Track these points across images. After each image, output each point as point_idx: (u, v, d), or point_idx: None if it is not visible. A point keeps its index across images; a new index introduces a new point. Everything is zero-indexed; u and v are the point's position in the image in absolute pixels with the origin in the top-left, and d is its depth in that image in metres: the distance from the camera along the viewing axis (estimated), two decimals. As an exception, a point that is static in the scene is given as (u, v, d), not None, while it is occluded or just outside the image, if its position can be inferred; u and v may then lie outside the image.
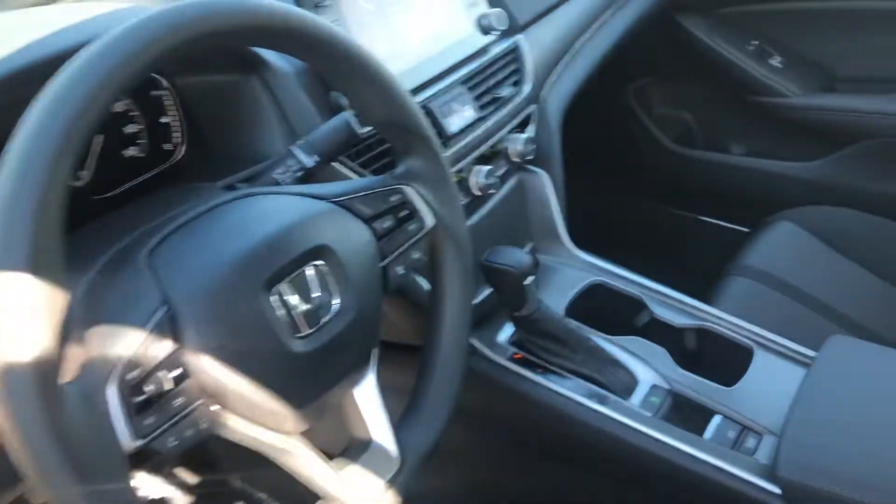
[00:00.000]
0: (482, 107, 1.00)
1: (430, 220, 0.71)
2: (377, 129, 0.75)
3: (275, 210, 0.62)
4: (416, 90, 0.91)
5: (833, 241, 1.34)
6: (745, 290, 1.24)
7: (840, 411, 0.83)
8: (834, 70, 1.56)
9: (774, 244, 1.35)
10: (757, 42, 1.57)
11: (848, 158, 1.52)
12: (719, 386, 0.93)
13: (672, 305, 1.04)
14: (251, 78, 0.79)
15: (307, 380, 0.58)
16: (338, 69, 0.64)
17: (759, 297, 1.23)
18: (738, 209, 1.67)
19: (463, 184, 0.98)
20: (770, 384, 0.93)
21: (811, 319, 1.20)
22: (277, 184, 0.71)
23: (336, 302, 0.60)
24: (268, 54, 0.79)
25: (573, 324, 0.97)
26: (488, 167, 1.00)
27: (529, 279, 0.88)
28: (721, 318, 1.01)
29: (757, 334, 0.99)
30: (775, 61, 1.55)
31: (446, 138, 0.93)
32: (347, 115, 0.74)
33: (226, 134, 0.82)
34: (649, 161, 1.77)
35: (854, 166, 1.52)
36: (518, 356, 0.98)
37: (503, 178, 1.05)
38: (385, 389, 0.68)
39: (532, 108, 1.10)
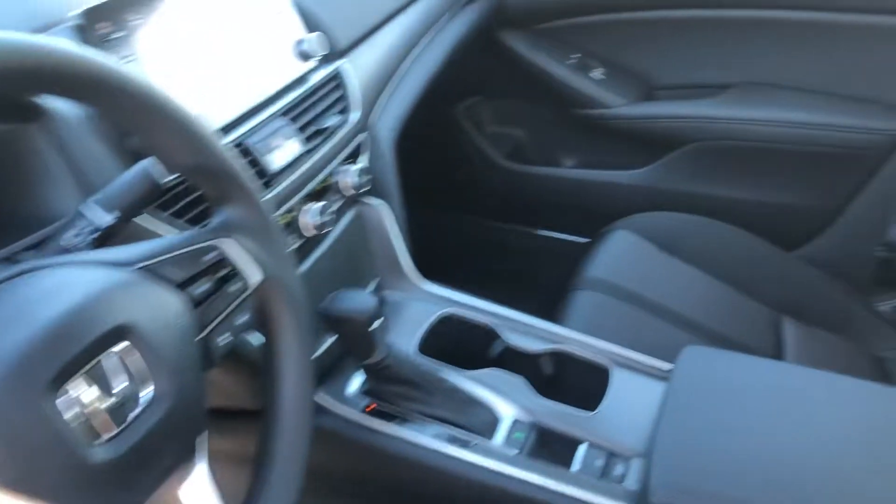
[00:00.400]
0: (307, 139, 0.91)
1: (255, 275, 0.62)
2: (184, 176, 0.65)
3: (62, 287, 0.50)
4: (229, 127, 0.81)
5: (669, 246, 1.37)
6: (592, 303, 1.23)
7: (705, 425, 0.82)
8: (654, 79, 1.60)
9: (614, 254, 1.35)
10: (578, 55, 1.59)
11: (675, 163, 1.57)
12: (582, 412, 0.90)
13: (524, 331, 1.00)
14: (31, 126, 0.67)
15: (116, 494, 0.48)
16: (129, 112, 0.54)
17: (607, 310, 1.22)
18: (576, 221, 1.68)
19: (293, 225, 0.89)
20: (631, 404, 0.91)
21: (660, 327, 1.20)
22: (69, 250, 0.60)
23: (146, 391, 0.50)
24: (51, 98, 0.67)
25: (427, 364, 0.91)
26: (321, 204, 0.92)
27: (376, 323, 0.81)
28: (574, 339, 0.99)
29: (611, 352, 0.97)
30: (597, 73, 1.58)
31: (269, 177, 0.84)
32: (147, 164, 0.63)
33: (3, 193, 0.70)
34: (485, 180, 1.76)
35: (681, 170, 1.57)
36: (371, 407, 0.90)
37: (338, 214, 0.98)
38: (223, 462, 0.58)
39: (362, 136, 1.04)
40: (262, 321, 0.65)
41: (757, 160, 1.51)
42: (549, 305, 1.23)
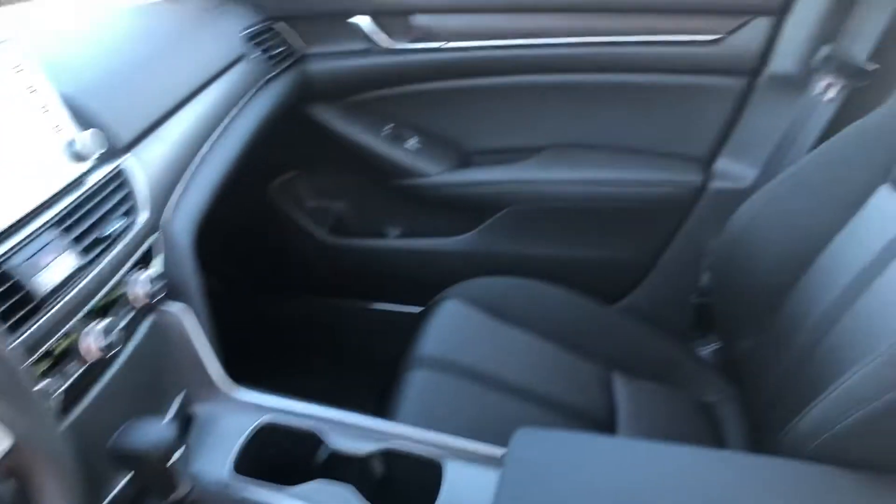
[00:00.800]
0: (85, 250, 0.81)
1: (2, 442, 0.52)
2: None
3: None
4: (-16, 249, 0.71)
5: (498, 311, 1.35)
6: (425, 384, 1.18)
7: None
8: (468, 145, 1.61)
9: (444, 327, 1.32)
10: (391, 126, 1.57)
11: (496, 227, 1.57)
12: None
13: (351, 432, 0.94)
14: None
15: None
16: None
17: (440, 390, 1.18)
18: (408, 291, 1.65)
19: (73, 351, 0.78)
20: (467, 497, 0.87)
21: (495, 401, 1.18)
22: None
23: None
24: None
25: (243, 488, 0.82)
26: (106, 321, 0.81)
27: (176, 455, 0.72)
28: (403, 434, 0.93)
29: (444, 444, 0.92)
30: (412, 143, 1.57)
31: (39, 301, 0.73)
32: None
33: None
34: (307, 257, 1.69)
35: (502, 233, 1.58)
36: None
37: (129, 329, 0.88)
38: None
39: (154, 237, 0.94)
40: (19, 494, 0.55)
41: (573, 218, 1.54)
42: (388, 381, 1.18)
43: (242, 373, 1.01)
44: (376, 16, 1.48)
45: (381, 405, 1.15)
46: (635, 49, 1.45)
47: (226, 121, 1.20)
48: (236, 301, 1.73)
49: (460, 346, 1.28)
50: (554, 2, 1.44)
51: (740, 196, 1.27)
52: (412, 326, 1.33)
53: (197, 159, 1.09)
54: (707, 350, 1.47)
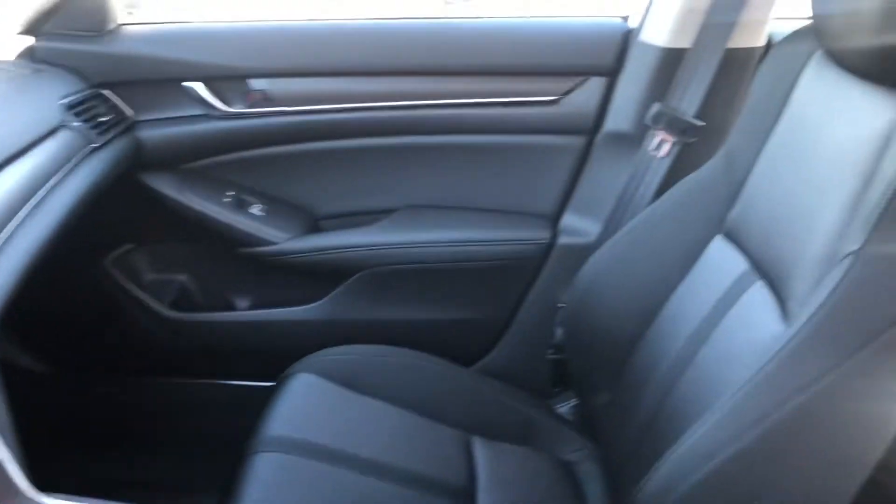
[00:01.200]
0: None
1: None
2: None
3: None
4: None
5: (352, 382, 1.30)
6: (272, 469, 1.10)
7: None
8: (317, 209, 1.56)
9: (294, 403, 1.24)
10: (233, 193, 1.50)
11: (348, 293, 1.52)
12: None
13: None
14: None
15: None
16: None
17: (289, 474, 1.10)
18: (259, 365, 1.56)
19: None
20: None
21: (349, 482, 1.11)
22: None
23: None
24: None
25: None
26: None
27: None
28: None
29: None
30: (256, 209, 1.50)
31: None
32: None
33: None
34: (147, 335, 1.57)
35: (356, 300, 1.53)
36: None
37: None
38: None
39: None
40: None
41: (427, 280, 1.52)
42: (234, 466, 1.09)
43: (68, 465, 0.90)
44: (209, 81, 1.42)
45: (225, 493, 1.06)
46: (478, 111, 1.47)
47: (40, 194, 1.10)
48: (66, 384, 1.59)
49: (311, 423, 1.21)
50: (394, 66, 1.44)
51: (587, 251, 1.28)
52: (265, 401, 1.25)
53: (1, 238, 0.99)
54: (565, 407, 1.47)
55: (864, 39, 0.80)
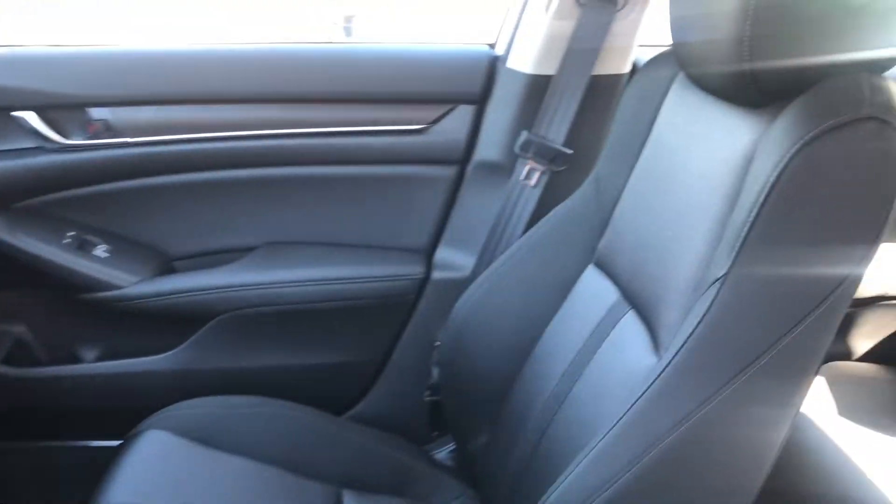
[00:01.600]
0: None
1: None
2: None
3: None
4: None
5: (209, 438, 1.18)
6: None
7: None
8: (169, 249, 1.44)
9: (142, 464, 1.12)
10: (74, 233, 1.36)
11: (206, 339, 1.40)
12: None
13: None
14: None
15: None
16: None
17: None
18: (107, 422, 1.41)
19: None
20: None
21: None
22: None
23: None
24: None
25: None
26: None
27: None
28: None
29: None
30: (100, 251, 1.36)
31: None
32: None
33: None
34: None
35: (214, 346, 1.41)
36: None
37: None
38: None
39: None
40: None
41: (293, 322, 1.42)
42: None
43: None
44: (43, 111, 1.29)
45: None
46: (343, 140, 1.39)
47: None
48: None
49: (161, 486, 1.08)
50: (251, 92, 1.35)
51: (462, 286, 1.23)
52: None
53: None
54: (443, 452, 1.39)
55: (722, 64, 0.78)
